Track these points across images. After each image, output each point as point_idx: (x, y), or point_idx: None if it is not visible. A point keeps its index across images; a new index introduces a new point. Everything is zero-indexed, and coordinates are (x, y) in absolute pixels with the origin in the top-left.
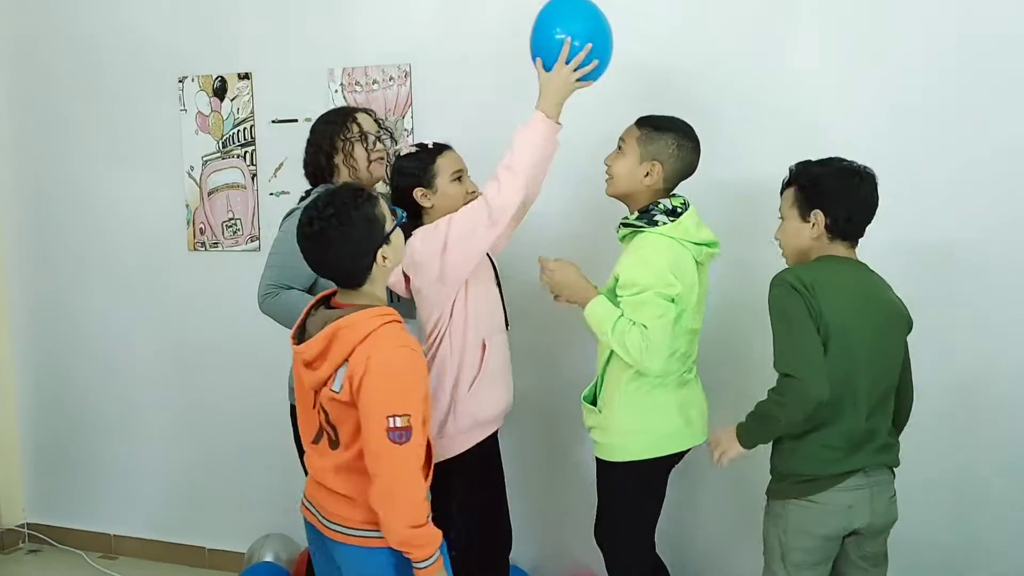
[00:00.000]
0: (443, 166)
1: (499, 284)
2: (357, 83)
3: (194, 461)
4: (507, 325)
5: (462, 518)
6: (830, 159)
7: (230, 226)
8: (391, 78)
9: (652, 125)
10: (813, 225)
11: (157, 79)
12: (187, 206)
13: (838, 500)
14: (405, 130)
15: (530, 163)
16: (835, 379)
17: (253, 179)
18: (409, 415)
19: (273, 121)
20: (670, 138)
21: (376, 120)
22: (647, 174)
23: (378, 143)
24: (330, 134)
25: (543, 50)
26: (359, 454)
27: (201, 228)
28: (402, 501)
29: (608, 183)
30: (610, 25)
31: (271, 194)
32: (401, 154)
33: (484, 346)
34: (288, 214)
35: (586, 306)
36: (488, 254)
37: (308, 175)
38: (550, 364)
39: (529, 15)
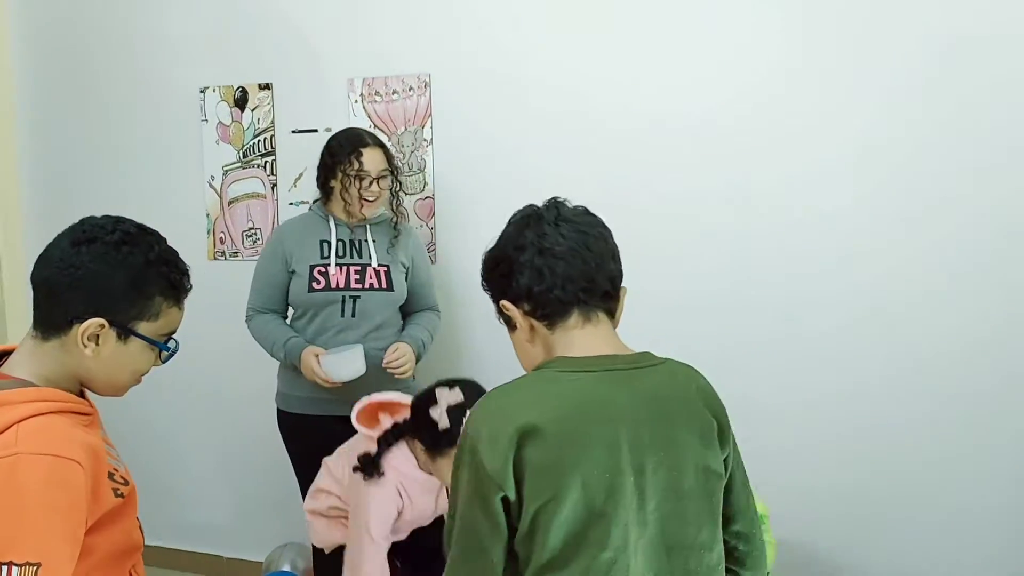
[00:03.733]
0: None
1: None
2: (376, 93)
3: (212, 469)
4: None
5: None
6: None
7: (250, 235)
8: (410, 88)
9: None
10: (515, 325)
11: (179, 90)
12: (207, 215)
13: None
14: (425, 140)
15: None
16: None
17: (273, 189)
18: (37, 563)
19: (293, 131)
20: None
21: (388, 157)
22: None
23: (375, 185)
24: (336, 159)
25: None
26: None
27: (221, 237)
28: None
29: None
30: None
31: (291, 204)
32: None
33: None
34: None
35: None
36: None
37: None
38: None
39: (546, 23)
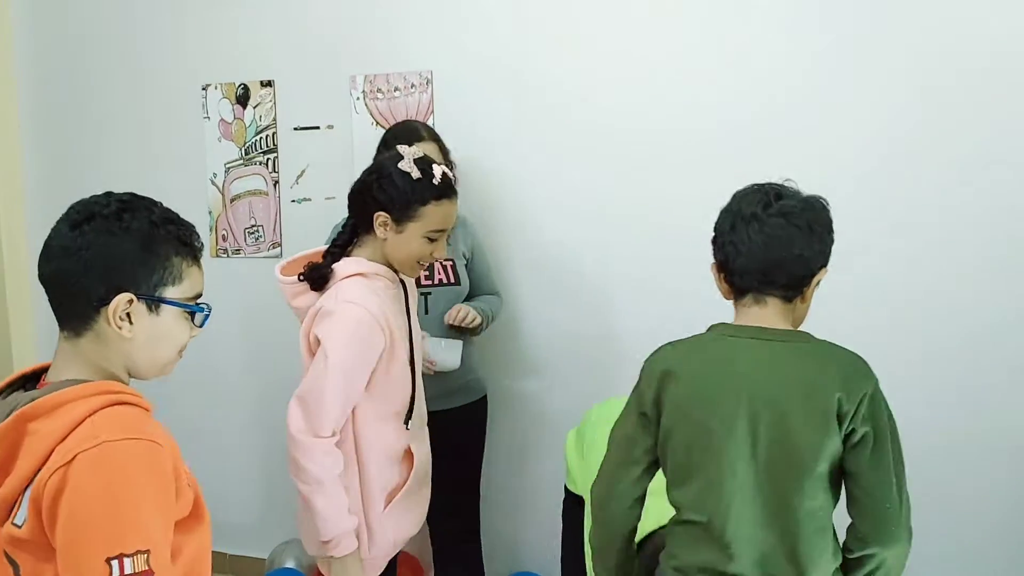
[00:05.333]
0: (428, 216)
1: (412, 367)
2: (379, 90)
3: (215, 466)
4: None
5: None
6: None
7: (252, 232)
8: (412, 85)
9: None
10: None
11: (181, 87)
12: (210, 213)
13: None
14: None
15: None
16: (692, 499)
17: (275, 186)
18: (147, 550)
19: (295, 128)
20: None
21: (444, 151)
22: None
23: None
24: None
25: None
26: None
27: (224, 235)
28: None
29: None
30: None
31: (293, 201)
32: (403, 163)
33: (410, 454)
34: None
35: None
36: (411, 332)
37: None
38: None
39: (549, 19)
